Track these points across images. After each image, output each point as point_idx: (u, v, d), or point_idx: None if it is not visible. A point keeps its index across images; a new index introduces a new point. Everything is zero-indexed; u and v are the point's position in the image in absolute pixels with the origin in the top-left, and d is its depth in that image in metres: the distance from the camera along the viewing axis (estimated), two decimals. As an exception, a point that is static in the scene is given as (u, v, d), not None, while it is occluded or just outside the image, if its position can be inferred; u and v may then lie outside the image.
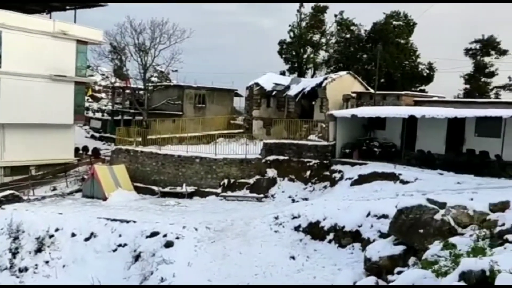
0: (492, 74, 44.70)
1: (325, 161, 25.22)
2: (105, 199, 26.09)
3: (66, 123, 32.85)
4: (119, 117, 43.70)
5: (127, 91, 43.22)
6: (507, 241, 9.34)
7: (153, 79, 42.60)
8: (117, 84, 44.53)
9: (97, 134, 45.15)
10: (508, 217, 10.40)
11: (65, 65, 32.46)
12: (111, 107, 47.02)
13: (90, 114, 48.48)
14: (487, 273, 6.62)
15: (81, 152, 35.91)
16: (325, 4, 47.74)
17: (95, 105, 52.01)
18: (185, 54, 39.20)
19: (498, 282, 6.09)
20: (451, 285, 6.12)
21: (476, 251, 8.69)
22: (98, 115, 49.28)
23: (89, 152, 36.14)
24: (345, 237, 16.15)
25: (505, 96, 43.98)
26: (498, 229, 10.18)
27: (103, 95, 55.49)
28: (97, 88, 53.32)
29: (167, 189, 27.89)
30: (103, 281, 17.10)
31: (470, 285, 6.30)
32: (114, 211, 22.22)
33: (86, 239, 19.45)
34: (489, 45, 43.99)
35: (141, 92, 40.81)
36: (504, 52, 43.69)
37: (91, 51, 36.81)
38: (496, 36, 43.82)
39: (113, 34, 37.09)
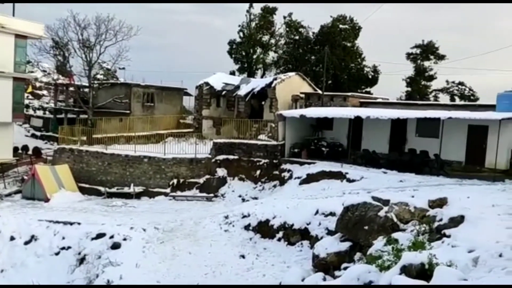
0: (431, 78, 47.04)
1: (274, 161, 25.55)
2: (47, 200, 25.00)
3: (3, 121, 31.06)
4: (62, 116, 41.91)
5: (71, 88, 41.52)
6: (444, 235, 9.89)
7: (98, 76, 41.23)
8: (60, 81, 42.66)
9: (38, 133, 43.03)
10: (445, 213, 11.03)
11: (2, 60, 30.67)
12: (54, 105, 45.01)
13: (31, 112, 46.07)
14: (426, 266, 7.00)
15: (20, 151, 34.10)
16: (274, 5, 48.32)
17: (36, 103, 49.51)
18: (132, 51, 38.47)
19: (436, 274, 6.45)
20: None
21: (416, 246, 9.15)
22: (40, 113, 46.97)
23: (30, 152, 34.40)
24: (294, 235, 16.46)
25: (443, 98, 46.60)
26: (436, 224, 10.76)
27: (44, 92, 52.92)
28: (38, 85, 50.78)
29: (114, 190, 27.15)
30: (45, 286, 16.39)
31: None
32: (57, 213, 21.34)
33: (26, 243, 18.51)
34: (428, 50, 46.23)
35: (86, 89, 39.36)
36: (442, 57, 46.11)
37: (31, 46, 35.05)
38: (434, 41, 46.18)
39: (55, 28, 35.51)
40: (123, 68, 42.07)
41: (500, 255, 7.69)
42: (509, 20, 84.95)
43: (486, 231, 9.18)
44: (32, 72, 40.75)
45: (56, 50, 38.38)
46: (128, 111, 37.14)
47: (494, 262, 7.50)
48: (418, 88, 46.36)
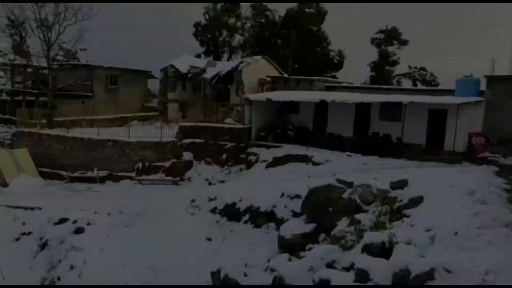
0: (394, 63, 48.09)
1: (241, 144, 25.58)
2: (5, 185, 24.20)
3: (-43, 103, 29.70)
4: (20, 98, 40.32)
5: (29, 69, 39.87)
6: (404, 215, 10.26)
7: (58, 57, 39.70)
8: (17, 62, 40.88)
9: (-6, 116, 41.27)
10: (406, 194, 11.43)
11: (-46, 39, 29.17)
12: (11, 86, 43.14)
13: (-14, 94, 44.06)
14: (387, 245, 7.27)
15: (-24, 135, 32.70)
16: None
17: (-9, 84, 47.32)
18: (94, 32, 36.98)
19: (395, 252, 6.71)
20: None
21: (378, 226, 9.47)
22: (-5, 95, 45.00)
23: (-14, 136, 33.02)
24: (260, 217, 16.63)
25: (406, 83, 47.72)
26: (397, 204, 11.14)
27: (0, 73, 50.66)
28: (-7, 65, 48.51)
29: (76, 174, 26.59)
30: (6, 272, 15.92)
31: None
32: (17, 198, 20.69)
33: (-15, 229, 17.90)
34: (391, 36, 47.12)
35: (45, 71, 37.89)
36: (404, 43, 47.14)
37: (-15, 24, 33.34)
38: (397, 27, 47.05)
39: (10, 6, 33.80)
40: (85, 49, 40.67)
41: (456, 233, 8.07)
42: (470, 8, 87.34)
43: (443, 211, 9.58)
44: (-14, 52, 38.83)
45: (12, 29, 36.67)
46: (90, 94, 36.15)
47: (450, 240, 7.86)
48: (381, 73, 47.27)
